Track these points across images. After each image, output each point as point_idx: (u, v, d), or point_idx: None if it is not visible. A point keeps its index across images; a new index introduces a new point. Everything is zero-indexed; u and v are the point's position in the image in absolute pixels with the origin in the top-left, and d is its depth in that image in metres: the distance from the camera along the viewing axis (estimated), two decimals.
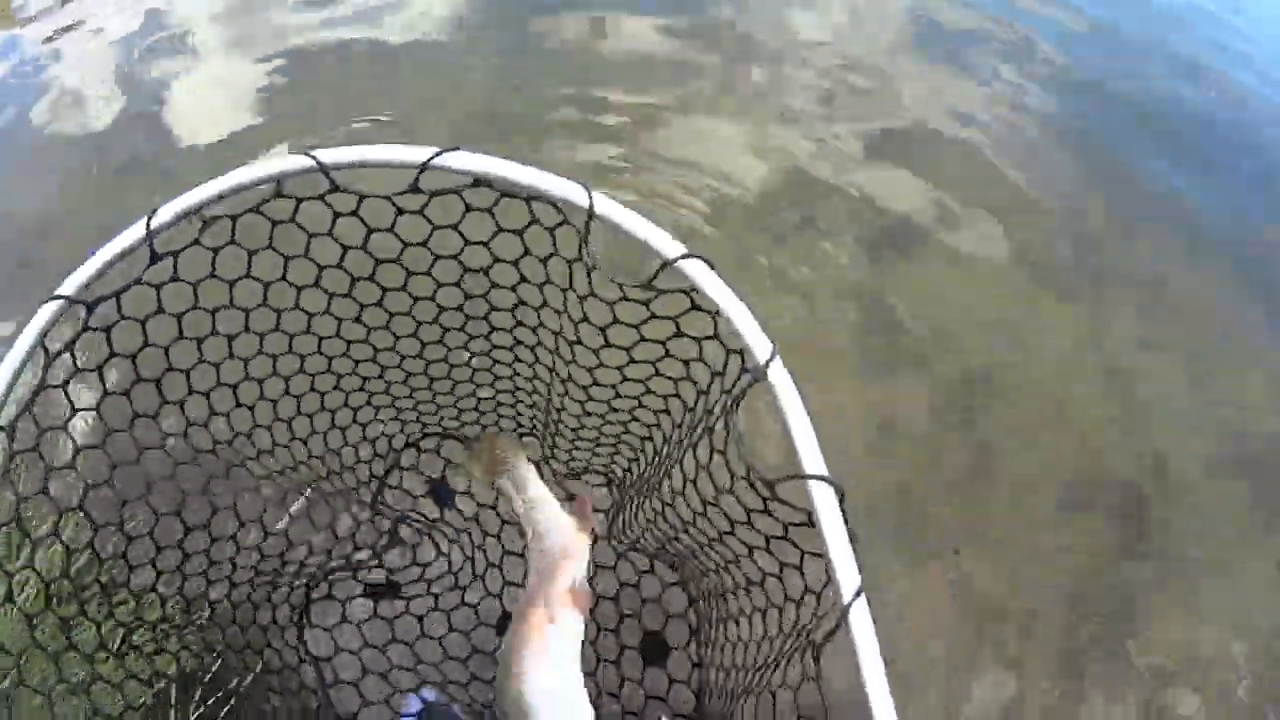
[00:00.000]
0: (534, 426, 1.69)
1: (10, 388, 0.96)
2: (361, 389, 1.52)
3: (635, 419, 1.46)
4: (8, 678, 1.02)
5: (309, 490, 1.56)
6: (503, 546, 1.72)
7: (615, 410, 1.45)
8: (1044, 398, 2.49)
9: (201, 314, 1.16)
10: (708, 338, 1.02)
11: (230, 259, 1.12)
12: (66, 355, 0.99)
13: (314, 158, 0.95)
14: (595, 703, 1.20)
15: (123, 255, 0.98)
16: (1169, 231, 3.11)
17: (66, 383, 1.02)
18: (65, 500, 1.06)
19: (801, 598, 1.03)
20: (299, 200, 1.06)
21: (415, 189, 0.97)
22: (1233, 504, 2.34)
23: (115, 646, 1.17)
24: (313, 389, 1.44)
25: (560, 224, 1.02)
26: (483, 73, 3.37)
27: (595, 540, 1.36)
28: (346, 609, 1.66)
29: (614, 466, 1.69)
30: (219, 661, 1.35)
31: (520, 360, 1.47)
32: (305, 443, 1.47)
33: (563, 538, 1.29)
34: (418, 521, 1.74)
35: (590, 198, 0.93)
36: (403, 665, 1.62)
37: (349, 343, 1.40)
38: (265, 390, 1.34)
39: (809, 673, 0.89)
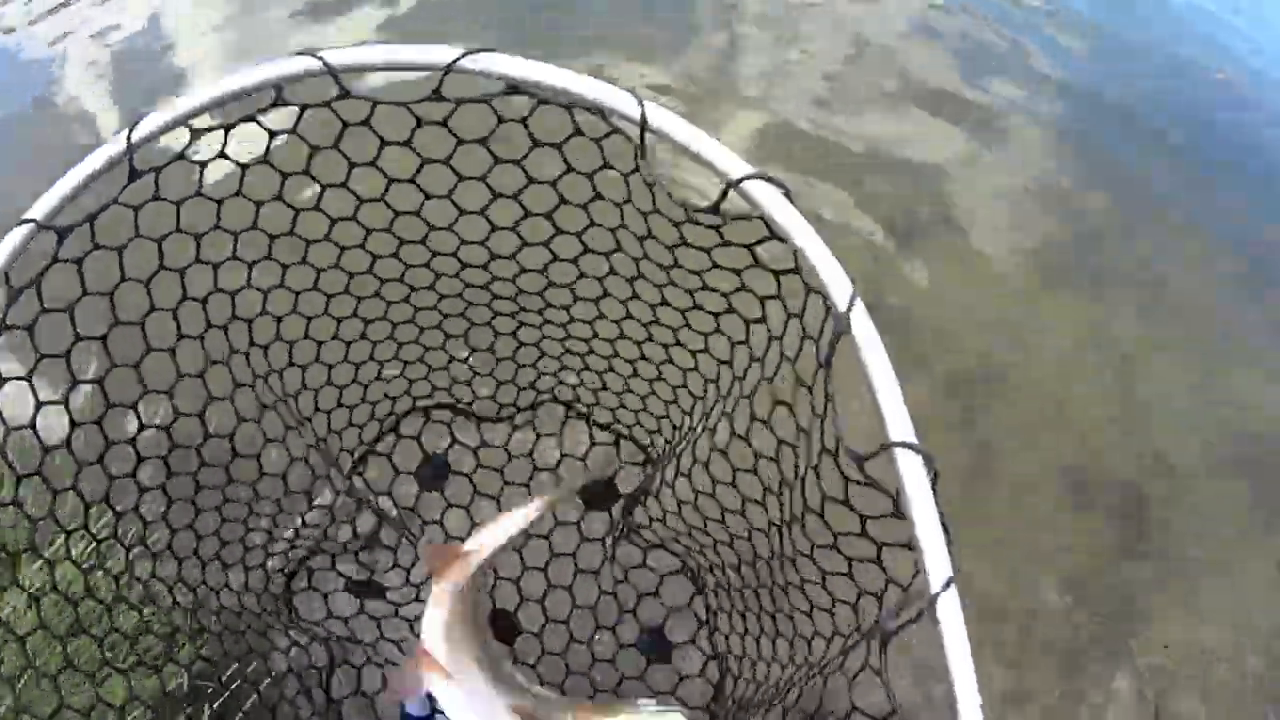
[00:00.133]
0: (580, 381, 1.50)
1: None
2: (364, 337, 1.33)
3: (695, 369, 1.27)
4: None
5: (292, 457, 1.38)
6: None
7: (670, 358, 1.27)
8: (1044, 397, 2.49)
9: (185, 239, 1.00)
10: (787, 271, 0.85)
11: (220, 175, 0.97)
12: (32, 290, 0.86)
13: (320, 58, 0.80)
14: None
15: (100, 172, 0.84)
16: (1169, 231, 3.11)
17: (33, 325, 0.88)
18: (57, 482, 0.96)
19: (885, 588, 0.87)
20: (303, 108, 0.89)
21: (438, 96, 0.84)
22: (1233, 504, 2.34)
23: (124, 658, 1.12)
24: (307, 335, 1.26)
25: (609, 134, 0.87)
26: None
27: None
28: (330, 602, 1.57)
29: (658, 435, 1.52)
30: (234, 665, 1.31)
31: (567, 304, 1.29)
32: (295, 399, 1.29)
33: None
34: (390, 514, 1.62)
35: (642, 106, 0.77)
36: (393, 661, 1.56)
37: (350, 275, 1.22)
38: (255, 334, 1.17)
39: (874, 663, 0.78)
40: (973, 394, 2.45)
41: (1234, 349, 2.75)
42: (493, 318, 1.39)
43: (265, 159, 1.00)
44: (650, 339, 1.28)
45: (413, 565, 1.61)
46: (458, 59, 0.78)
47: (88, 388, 0.97)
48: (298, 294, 1.21)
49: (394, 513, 1.66)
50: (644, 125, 0.78)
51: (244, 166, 1.01)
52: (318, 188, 1.08)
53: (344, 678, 1.54)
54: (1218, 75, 4.08)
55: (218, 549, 1.27)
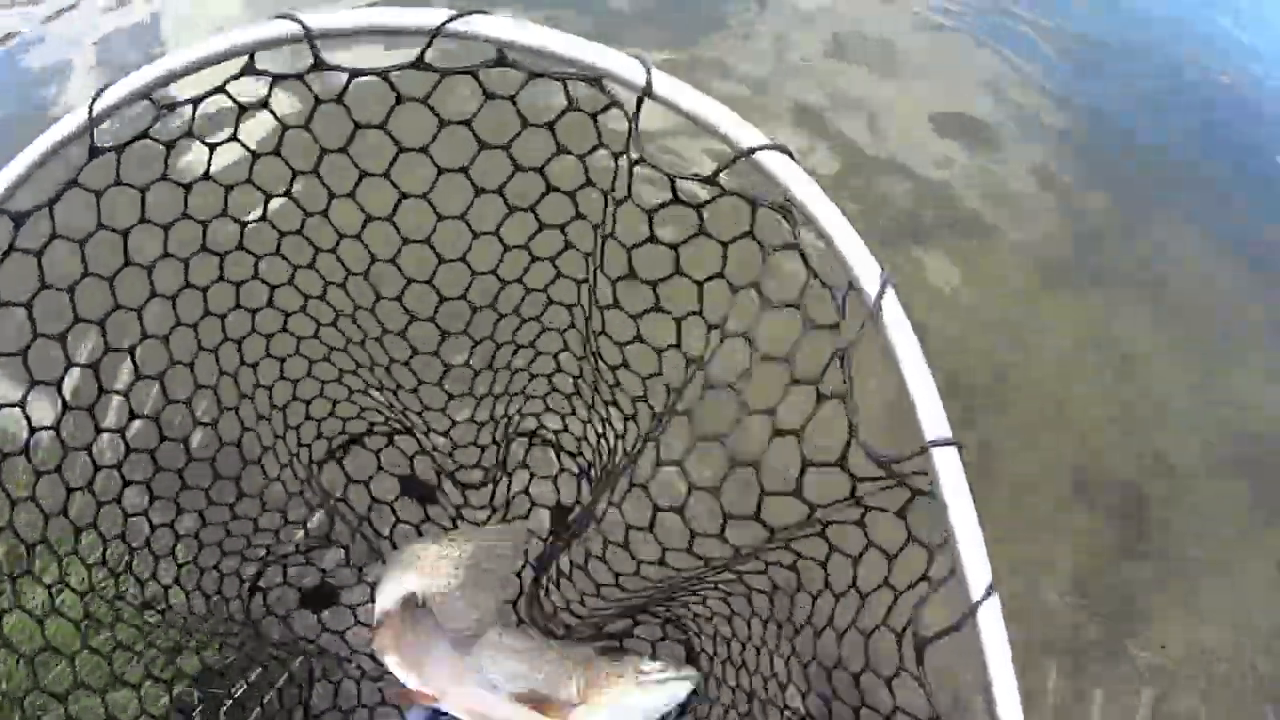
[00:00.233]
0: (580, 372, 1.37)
1: None
2: (339, 334, 1.24)
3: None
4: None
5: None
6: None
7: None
8: (1044, 398, 2.49)
9: (153, 229, 0.94)
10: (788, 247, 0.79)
11: (188, 154, 0.91)
12: None
13: (299, 21, 0.74)
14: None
15: (56, 149, 0.78)
16: (1169, 231, 3.11)
17: None
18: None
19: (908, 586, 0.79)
20: (274, 79, 0.83)
21: (422, 64, 0.78)
22: (1233, 504, 2.34)
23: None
24: (285, 329, 1.19)
25: (607, 107, 0.82)
26: None
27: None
28: (291, 622, 1.45)
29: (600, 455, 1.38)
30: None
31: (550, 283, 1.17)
32: (270, 391, 1.23)
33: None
34: (349, 516, 1.49)
35: (649, 72, 0.73)
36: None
37: (326, 283, 1.14)
38: (228, 329, 1.11)
39: (914, 673, 0.73)
40: (973, 394, 2.46)
41: (1234, 349, 2.76)
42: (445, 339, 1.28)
43: (235, 136, 0.94)
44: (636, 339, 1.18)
45: (364, 566, 1.51)
46: (447, 22, 0.73)
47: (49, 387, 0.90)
48: (273, 288, 1.15)
49: (350, 514, 1.52)
50: (648, 90, 0.72)
51: (212, 146, 0.96)
52: (289, 171, 1.01)
53: (323, 691, 1.47)
54: (1219, 76, 4.08)
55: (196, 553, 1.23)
